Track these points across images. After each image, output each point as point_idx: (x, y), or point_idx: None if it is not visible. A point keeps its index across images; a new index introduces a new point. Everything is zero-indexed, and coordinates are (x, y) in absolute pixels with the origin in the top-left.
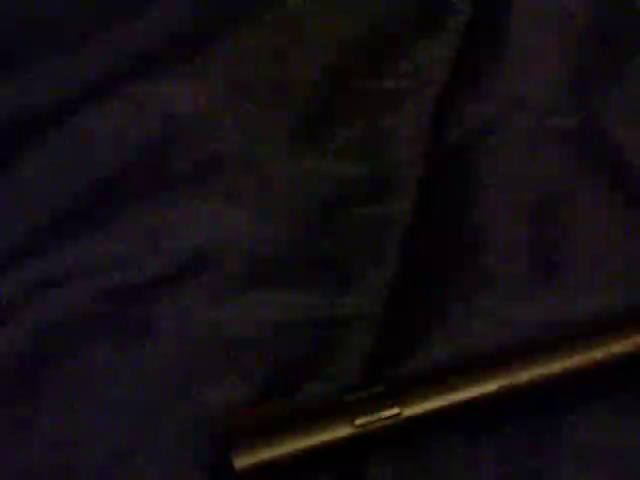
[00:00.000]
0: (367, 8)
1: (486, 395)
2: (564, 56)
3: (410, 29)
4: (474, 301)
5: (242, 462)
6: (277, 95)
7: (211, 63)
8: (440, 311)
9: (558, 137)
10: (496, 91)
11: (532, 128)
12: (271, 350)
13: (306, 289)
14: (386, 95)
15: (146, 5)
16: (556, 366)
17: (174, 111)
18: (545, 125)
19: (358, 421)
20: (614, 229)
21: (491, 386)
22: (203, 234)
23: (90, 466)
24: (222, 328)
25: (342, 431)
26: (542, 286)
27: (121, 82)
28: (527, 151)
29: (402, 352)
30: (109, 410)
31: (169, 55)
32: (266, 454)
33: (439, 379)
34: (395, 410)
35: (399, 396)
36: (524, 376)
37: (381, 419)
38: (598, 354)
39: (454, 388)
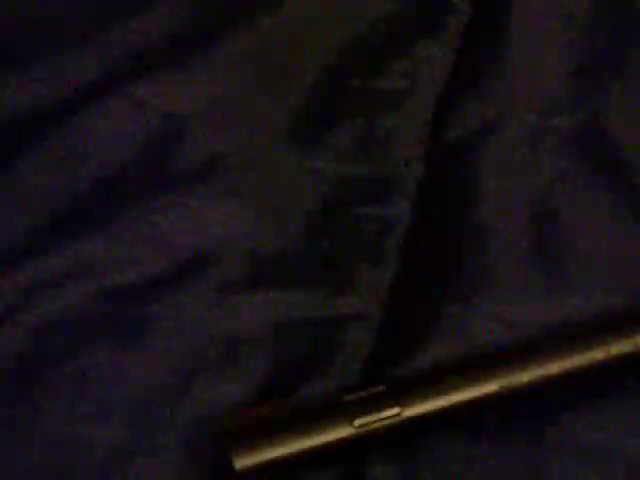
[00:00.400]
0: (367, 8)
1: (486, 395)
2: (564, 56)
3: (410, 29)
4: (474, 301)
5: (242, 462)
6: (277, 95)
7: (211, 63)
8: (440, 311)
9: (558, 137)
10: (496, 91)
11: (532, 128)
12: (271, 350)
13: (306, 289)
14: (386, 95)
15: (146, 5)
16: (556, 366)
17: (174, 111)
18: (545, 125)
19: (358, 421)
20: (614, 229)
21: (491, 386)
22: (203, 234)
23: (90, 466)
24: (222, 328)
25: (342, 431)
26: (542, 286)
27: (121, 82)
28: (527, 151)
29: (402, 352)
30: (109, 410)
31: (169, 55)
32: (266, 454)
33: (439, 379)
34: (395, 410)
35: (399, 396)
36: (524, 376)
37: (381, 419)
38: (598, 354)
39: (454, 388)
